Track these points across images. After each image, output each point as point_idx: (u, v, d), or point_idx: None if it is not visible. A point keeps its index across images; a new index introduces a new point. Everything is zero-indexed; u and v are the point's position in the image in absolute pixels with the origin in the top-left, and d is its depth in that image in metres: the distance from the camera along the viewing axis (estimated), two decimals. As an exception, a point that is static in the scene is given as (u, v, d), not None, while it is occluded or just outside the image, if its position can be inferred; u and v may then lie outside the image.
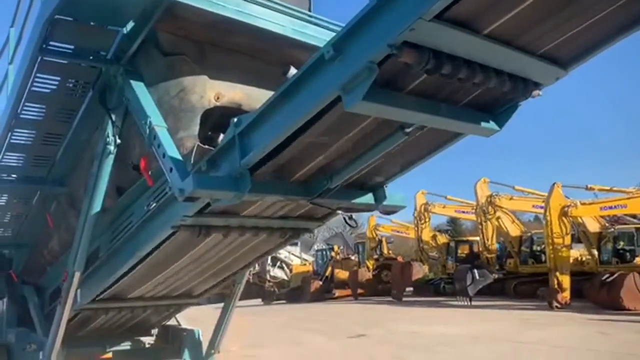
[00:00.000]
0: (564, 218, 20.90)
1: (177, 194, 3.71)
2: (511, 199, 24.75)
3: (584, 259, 25.26)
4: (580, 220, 23.44)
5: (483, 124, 3.69)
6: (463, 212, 29.06)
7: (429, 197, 29.01)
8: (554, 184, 20.92)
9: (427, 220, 29.02)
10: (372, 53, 2.79)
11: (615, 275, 20.43)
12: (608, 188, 22.12)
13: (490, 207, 24.54)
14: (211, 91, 4.77)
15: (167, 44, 4.61)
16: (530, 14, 2.83)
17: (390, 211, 4.92)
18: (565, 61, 3.38)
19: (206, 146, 4.34)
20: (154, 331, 7.63)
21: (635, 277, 20.18)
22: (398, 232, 33.66)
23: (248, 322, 18.41)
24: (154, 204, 4.60)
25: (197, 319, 8.06)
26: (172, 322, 7.76)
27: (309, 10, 5.26)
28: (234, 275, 6.34)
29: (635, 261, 22.91)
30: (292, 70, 3.46)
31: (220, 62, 4.80)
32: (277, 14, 4.65)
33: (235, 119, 3.77)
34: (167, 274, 5.53)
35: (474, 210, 26.12)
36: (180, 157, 3.99)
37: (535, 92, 3.55)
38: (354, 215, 4.87)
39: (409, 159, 4.30)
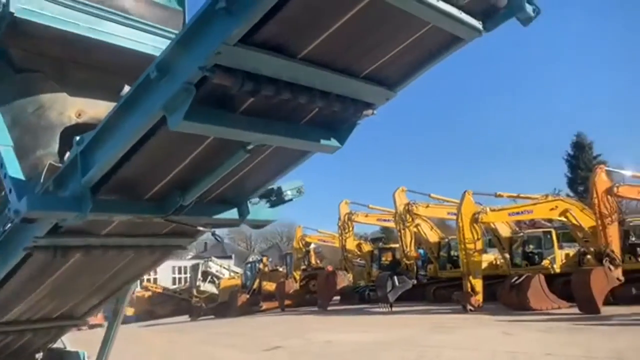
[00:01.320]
0: (475, 224, 21.84)
1: (12, 215, 3.62)
2: (427, 206, 25.63)
3: (498, 262, 26.45)
4: (492, 225, 24.55)
5: (324, 141, 3.85)
6: (385, 220, 29.75)
7: (352, 207, 29.50)
8: (465, 192, 21.85)
9: (350, 229, 29.49)
10: (187, 75, 2.87)
11: (523, 277, 21.52)
12: (515, 195, 23.33)
13: (408, 215, 25.26)
14: (72, 108, 4.69)
15: (20, 61, 4.50)
16: (340, 40, 3.00)
17: (258, 225, 5.00)
18: (391, 83, 3.60)
19: (59, 164, 4.26)
20: (39, 355, 7.30)
21: (540, 279, 21.35)
22: (324, 241, 33.97)
23: (165, 340, 17.96)
24: (9, 225, 4.44)
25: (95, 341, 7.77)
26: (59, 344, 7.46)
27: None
28: (115, 293, 6.21)
29: (542, 263, 24.22)
30: (126, 88, 3.47)
31: (81, 79, 4.74)
32: (137, 32, 4.65)
33: (78, 137, 3.73)
34: (36, 296, 5.34)
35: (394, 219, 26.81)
36: (22, 177, 3.89)
37: (369, 112, 3.74)
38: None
39: (265, 175, 4.40)
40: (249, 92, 3.02)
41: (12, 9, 3.96)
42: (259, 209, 4.88)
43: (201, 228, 4.58)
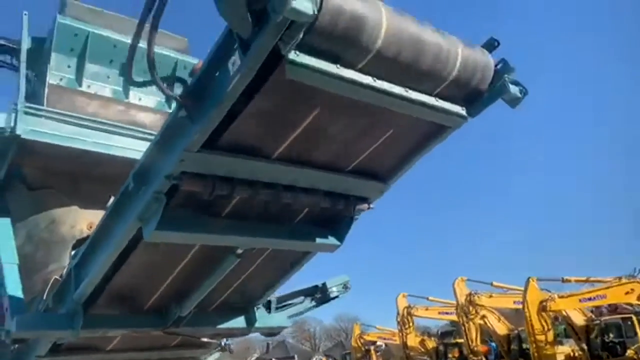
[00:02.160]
0: (543, 313, 20.24)
1: (3, 337, 3.56)
2: (491, 296, 24.09)
3: (576, 354, 24.12)
4: (564, 313, 22.71)
5: (321, 240, 3.67)
6: (447, 313, 28.17)
7: (411, 300, 28.23)
8: (528, 279, 20.50)
9: (411, 324, 27.99)
10: (156, 185, 2.83)
11: (607, 371, 19.44)
12: (584, 279, 21.69)
13: (471, 307, 23.82)
14: (83, 221, 4.77)
15: (33, 179, 4.68)
16: (312, 137, 2.93)
17: (271, 333, 4.74)
18: (382, 175, 3.46)
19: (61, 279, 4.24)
20: None
21: (627, 372, 19.20)
22: (385, 339, 32.38)
23: None
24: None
25: None
26: None
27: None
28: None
29: (626, 354, 21.91)
30: (112, 200, 3.47)
31: (92, 191, 4.86)
32: (143, 142, 4.78)
33: (74, 252, 3.72)
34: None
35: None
36: (20, 296, 3.88)
37: (364, 206, 3.57)
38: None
39: (269, 278, 4.22)
40: (223, 196, 2.94)
41: (18, 132, 4.16)
42: (269, 315, 4.63)
43: (207, 339, 4.35)
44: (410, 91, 2.75)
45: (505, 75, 2.93)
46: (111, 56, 5.18)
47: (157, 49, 5.15)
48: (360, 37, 2.38)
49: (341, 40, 2.35)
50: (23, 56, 4.75)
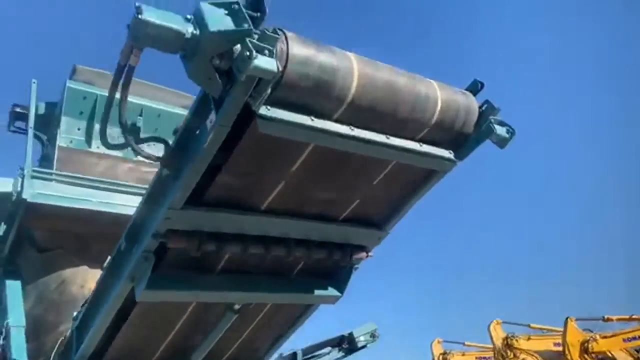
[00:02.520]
0: (586, 355, 19.27)
1: None
2: (529, 338, 23.12)
3: (627, 399, 22.76)
4: (609, 355, 21.59)
5: (320, 291, 3.61)
6: (484, 358, 27.09)
7: (446, 345, 27.29)
8: (567, 319, 19.64)
9: (447, 372, 26.95)
10: (143, 244, 2.84)
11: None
12: (628, 317, 20.68)
13: (509, 351, 22.87)
14: (92, 280, 4.79)
15: (43, 241, 4.77)
16: (299, 188, 2.92)
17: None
18: (377, 222, 3.41)
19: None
20: None
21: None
22: (423, 387, 31.18)
23: None
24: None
25: None
26: None
27: None
28: None
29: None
30: (108, 260, 3.50)
31: (100, 250, 4.90)
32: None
33: (75, 313, 3.73)
34: None
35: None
36: (25, 359, 3.88)
37: (362, 255, 3.51)
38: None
39: (274, 332, 4.14)
40: (213, 251, 2.93)
41: (25, 196, 4.26)
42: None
43: None
44: (391, 138, 2.74)
45: (491, 117, 2.90)
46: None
47: (164, 107, 5.25)
48: (331, 87, 2.40)
49: (312, 92, 2.37)
50: (31, 122, 4.94)
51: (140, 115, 5.34)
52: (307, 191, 2.98)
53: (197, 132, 2.60)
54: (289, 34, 2.31)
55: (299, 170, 2.78)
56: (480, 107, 2.95)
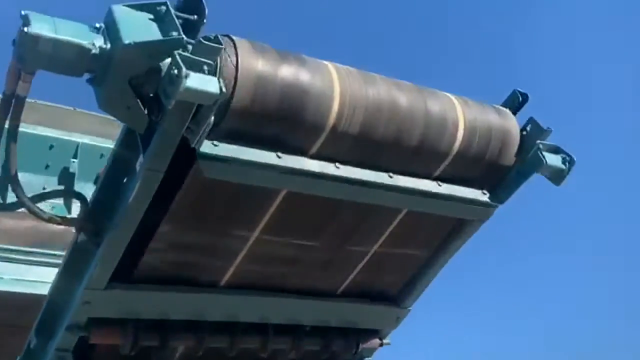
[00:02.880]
0: None
1: None
2: None
3: None
4: None
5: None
6: None
7: None
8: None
9: None
10: (57, 340, 2.76)
11: None
12: None
13: None
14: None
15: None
16: (272, 251, 2.86)
17: None
18: (392, 296, 3.33)
19: None
20: None
21: None
22: None
23: None
24: None
25: None
26: None
27: None
28: None
29: None
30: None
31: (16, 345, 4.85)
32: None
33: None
34: None
35: None
36: None
37: (374, 342, 3.41)
38: None
39: None
40: (154, 348, 2.83)
41: None
42: None
43: None
44: (396, 176, 2.66)
45: (538, 142, 2.81)
46: (47, 160, 5.23)
47: (111, 144, 5.21)
48: (302, 111, 2.34)
49: (276, 118, 2.31)
50: None
51: (75, 158, 5.28)
52: (284, 256, 2.90)
53: (124, 180, 2.53)
54: (240, 42, 2.27)
55: (269, 227, 2.70)
56: (522, 129, 2.88)
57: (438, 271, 3.24)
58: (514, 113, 2.93)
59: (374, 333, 3.38)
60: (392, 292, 3.29)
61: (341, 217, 2.80)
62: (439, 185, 2.77)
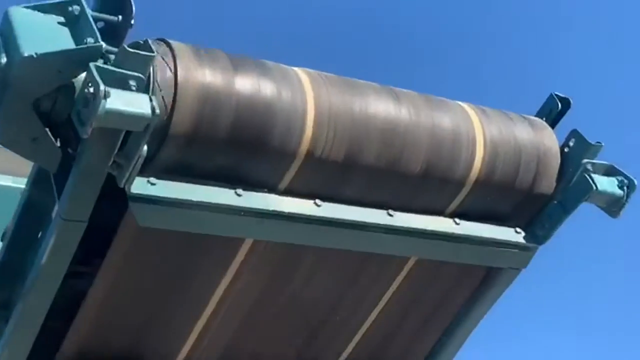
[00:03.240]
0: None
1: None
2: None
3: None
4: None
5: None
6: None
7: None
8: None
9: None
10: None
11: None
12: None
13: None
14: None
15: None
16: (239, 319, 2.89)
17: None
18: None
19: None
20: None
21: None
22: None
23: None
24: None
25: None
26: None
27: None
28: None
29: None
30: None
31: None
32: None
33: None
34: None
35: None
36: None
37: None
38: None
39: None
40: None
41: None
42: None
43: None
44: (397, 213, 2.68)
45: (586, 161, 2.82)
46: None
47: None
48: (266, 134, 2.37)
49: (230, 146, 2.34)
50: None
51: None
52: (251, 333, 2.94)
53: (39, 234, 2.56)
54: (179, 47, 2.30)
55: (232, 292, 2.74)
56: (564, 146, 2.90)
57: (466, 336, 3.27)
58: (552, 125, 2.96)
59: None
60: None
61: (327, 271, 2.84)
62: (456, 223, 2.78)
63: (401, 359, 3.30)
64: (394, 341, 3.21)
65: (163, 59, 2.23)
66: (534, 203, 2.90)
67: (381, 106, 2.58)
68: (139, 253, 2.53)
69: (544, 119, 2.97)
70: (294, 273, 2.79)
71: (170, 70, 2.24)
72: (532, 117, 2.95)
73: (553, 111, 2.96)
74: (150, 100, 2.03)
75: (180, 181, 2.35)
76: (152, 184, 2.29)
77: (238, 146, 2.36)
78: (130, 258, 2.53)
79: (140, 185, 2.27)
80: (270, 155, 2.42)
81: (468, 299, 3.14)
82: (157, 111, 2.04)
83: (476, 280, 3.08)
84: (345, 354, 3.14)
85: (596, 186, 2.78)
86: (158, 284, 2.66)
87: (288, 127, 2.39)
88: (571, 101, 2.98)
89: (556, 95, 2.99)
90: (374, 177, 2.60)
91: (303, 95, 2.44)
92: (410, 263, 2.89)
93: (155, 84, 2.16)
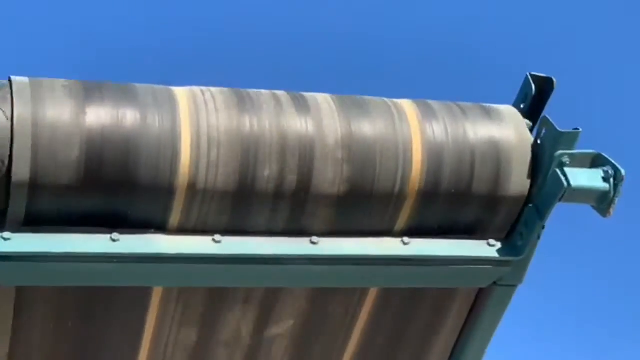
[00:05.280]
0: None
1: None
2: None
3: None
4: None
5: None
6: None
7: None
8: None
9: None
10: None
11: None
12: None
13: None
14: None
15: None
16: None
17: None
18: None
19: None
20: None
21: None
22: None
23: None
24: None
25: None
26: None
27: None
28: None
29: None
30: None
31: None
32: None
33: None
34: None
35: None
36: None
37: None
38: None
39: None
40: None
41: None
42: None
43: None
44: (323, 240, 2.38)
45: (560, 153, 2.37)
46: None
47: None
48: (130, 169, 2.14)
49: (91, 188, 2.14)
50: None
51: None
52: None
53: None
54: (20, 86, 2.11)
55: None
56: (537, 138, 2.50)
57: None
58: (532, 113, 2.56)
59: None
60: None
61: (257, 317, 2.61)
62: (404, 243, 2.44)
63: None
64: None
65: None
66: (505, 209, 2.52)
67: (281, 119, 2.30)
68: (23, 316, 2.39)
69: (522, 106, 2.58)
70: (227, 320, 2.58)
71: (5, 114, 2.05)
72: (498, 107, 2.57)
73: (528, 96, 2.55)
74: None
75: (48, 232, 2.16)
76: (6, 239, 2.11)
77: (98, 187, 2.15)
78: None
79: (-12, 242, 2.13)
80: (143, 192, 2.19)
81: (462, 326, 2.83)
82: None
83: (464, 305, 2.75)
84: None
85: (568, 182, 2.33)
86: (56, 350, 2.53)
87: (157, 157, 2.16)
88: (554, 81, 2.53)
89: (532, 75, 2.56)
90: (281, 202, 2.31)
91: (175, 117, 2.20)
92: (372, 294, 2.61)
93: None
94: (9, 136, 2.03)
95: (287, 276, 2.41)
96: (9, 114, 2.05)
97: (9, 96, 2.08)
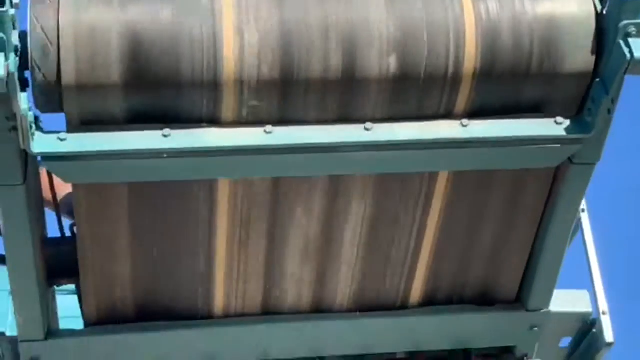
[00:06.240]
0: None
1: None
2: None
3: None
4: None
5: None
6: None
7: None
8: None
9: None
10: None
11: None
12: None
13: None
14: None
15: None
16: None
17: None
18: (500, 293, 3.08)
19: None
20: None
21: None
22: None
23: None
24: None
25: None
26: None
27: None
28: None
29: None
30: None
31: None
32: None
33: None
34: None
35: None
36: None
37: None
38: None
39: None
40: None
41: None
42: None
43: None
44: (377, 126, 2.36)
45: (625, 23, 2.21)
46: None
47: None
48: (176, 65, 2.19)
49: (140, 85, 2.20)
50: None
51: None
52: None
53: None
54: None
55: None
56: (602, 9, 2.34)
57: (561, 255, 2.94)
58: None
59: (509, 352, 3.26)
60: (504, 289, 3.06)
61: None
62: (463, 125, 2.38)
63: (490, 284, 3.03)
64: (470, 268, 2.97)
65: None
66: (570, 85, 2.41)
67: (324, 2, 2.27)
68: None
69: None
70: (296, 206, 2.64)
71: (52, 16, 2.13)
72: None
73: None
74: (6, 59, 1.94)
75: (102, 131, 2.23)
76: (62, 140, 2.22)
77: (142, 84, 2.21)
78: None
79: (47, 144, 2.22)
80: (189, 86, 2.23)
81: (544, 205, 2.77)
82: (13, 69, 1.96)
83: (543, 185, 2.70)
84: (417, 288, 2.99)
85: (632, 54, 2.18)
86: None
87: (200, 50, 2.19)
88: None
89: None
90: (329, 88, 2.29)
91: (215, 10, 2.21)
92: (442, 178, 2.60)
93: (40, 34, 2.10)
94: (57, 41, 2.10)
95: (343, 164, 2.42)
96: (55, 20, 2.12)
97: (56, 4, 2.13)
